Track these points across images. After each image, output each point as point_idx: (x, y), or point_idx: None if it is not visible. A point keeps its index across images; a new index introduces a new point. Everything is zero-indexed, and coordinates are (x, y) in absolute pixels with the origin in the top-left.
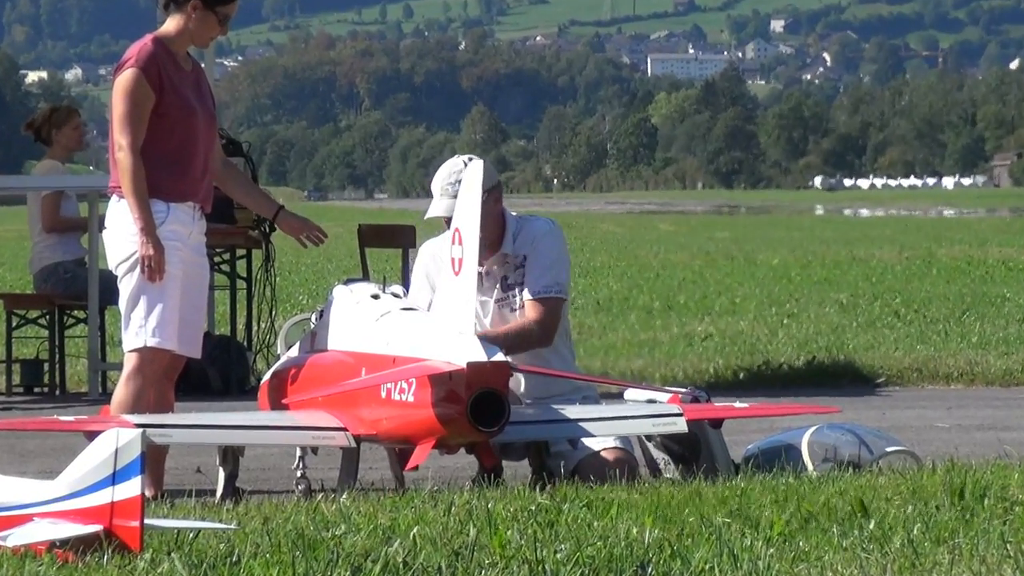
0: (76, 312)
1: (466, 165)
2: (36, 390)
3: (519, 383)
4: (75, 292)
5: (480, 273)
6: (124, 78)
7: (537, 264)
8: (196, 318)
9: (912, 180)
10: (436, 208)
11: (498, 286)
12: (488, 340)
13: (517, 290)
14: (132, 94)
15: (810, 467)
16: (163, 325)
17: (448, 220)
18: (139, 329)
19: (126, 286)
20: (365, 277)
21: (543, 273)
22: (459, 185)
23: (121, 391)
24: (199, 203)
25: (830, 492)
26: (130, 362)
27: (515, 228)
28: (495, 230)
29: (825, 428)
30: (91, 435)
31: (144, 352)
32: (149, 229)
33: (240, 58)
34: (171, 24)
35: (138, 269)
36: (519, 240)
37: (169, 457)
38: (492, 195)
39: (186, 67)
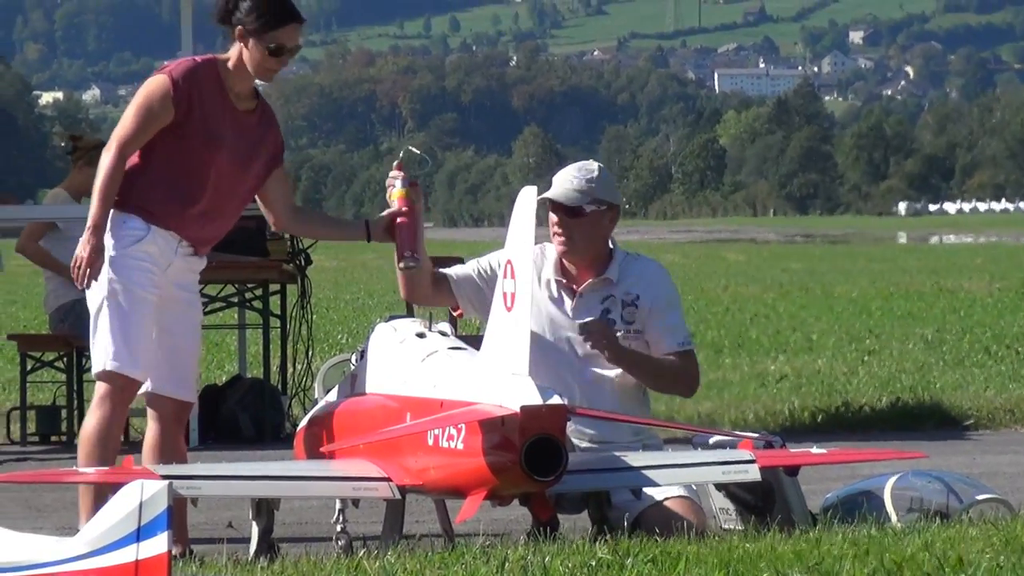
0: None
1: (599, 171)
2: (53, 439)
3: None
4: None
5: (573, 295)
6: (150, 81)
7: (668, 311)
8: (184, 359)
9: (1004, 204)
10: (551, 192)
11: (597, 316)
12: (633, 360)
13: (624, 328)
14: (148, 99)
15: (894, 517)
16: (125, 349)
17: (562, 208)
18: (101, 352)
19: (92, 305)
20: (409, 314)
21: (677, 322)
22: (587, 180)
23: (86, 421)
24: (187, 240)
25: (916, 545)
26: (97, 390)
27: (621, 259)
28: (601, 251)
29: (910, 475)
30: (113, 488)
31: (104, 377)
32: (97, 231)
33: None
34: (232, 50)
35: (105, 289)
36: (627, 274)
37: (199, 511)
38: (610, 213)
39: (241, 104)
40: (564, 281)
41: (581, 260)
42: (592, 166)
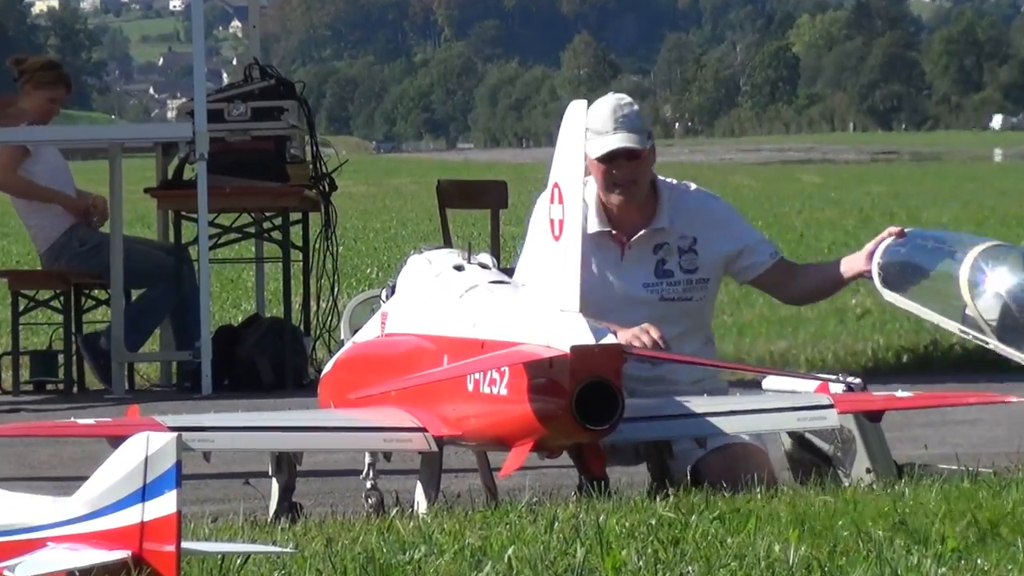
0: (96, 292)
1: (632, 104)
2: (49, 387)
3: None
4: (95, 267)
5: (622, 249)
6: None
7: (736, 234)
8: None
9: None
10: (611, 142)
11: (652, 270)
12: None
13: (685, 279)
14: None
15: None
16: None
17: (624, 153)
18: None
19: None
20: (446, 244)
21: (751, 238)
22: (633, 117)
23: None
24: None
25: (1015, 499)
26: None
27: (667, 195)
28: (647, 198)
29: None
30: (115, 441)
31: None
32: None
33: None
34: None
35: None
36: (679, 216)
37: (211, 466)
38: (653, 145)
39: None
40: (614, 232)
41: (638, 206)
42: (625, 98)
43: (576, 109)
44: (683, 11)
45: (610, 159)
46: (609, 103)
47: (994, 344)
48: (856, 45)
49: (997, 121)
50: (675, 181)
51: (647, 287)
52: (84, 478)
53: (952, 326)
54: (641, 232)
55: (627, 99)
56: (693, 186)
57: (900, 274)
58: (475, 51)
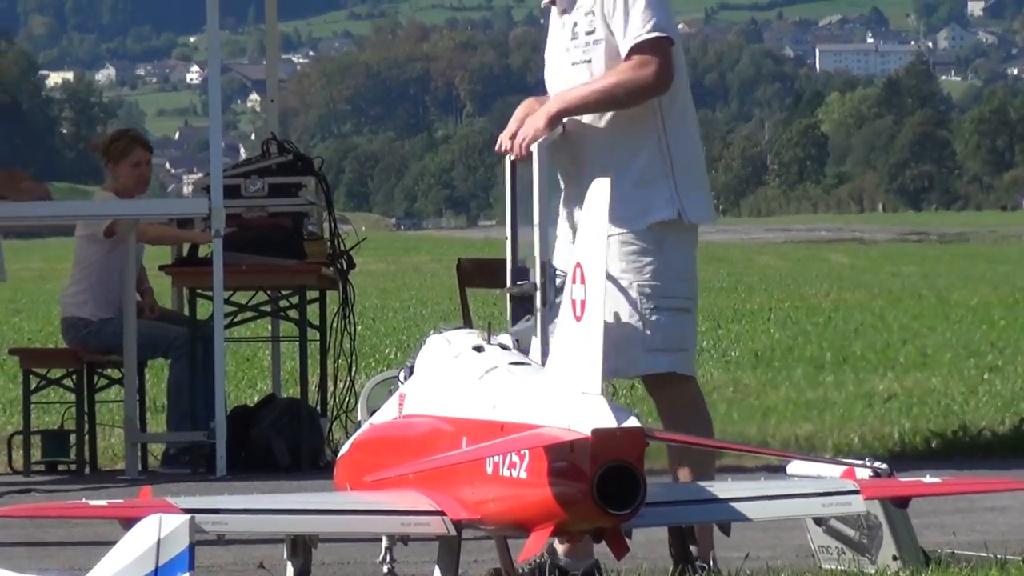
0: (109, 371)
1: None
2: (61, 467)
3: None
4: (106, 346)
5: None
6: None
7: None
8: None
9: None
10: None
11: (568, 35)
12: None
13: (590, 40)
14: None
15: None
16: None
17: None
18: None
19: None
20: (466, 324)
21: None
22: None
23: None
24: None
25: None
26: None
27: None
28: None
29: None
30: (128, 523)
31: None
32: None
33: (312, 53)
34: None
35: None
36: None
37: (226, 550)
38: None
39: None
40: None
41: None
42: None
43: (600, 187)
44: (709, 88)
45: None
46: None
47: None
48: (886, 124)
49: None
50: None
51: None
52: (95, 560)
53: None
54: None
55: None
56: None
57: None
58: (497, 127)
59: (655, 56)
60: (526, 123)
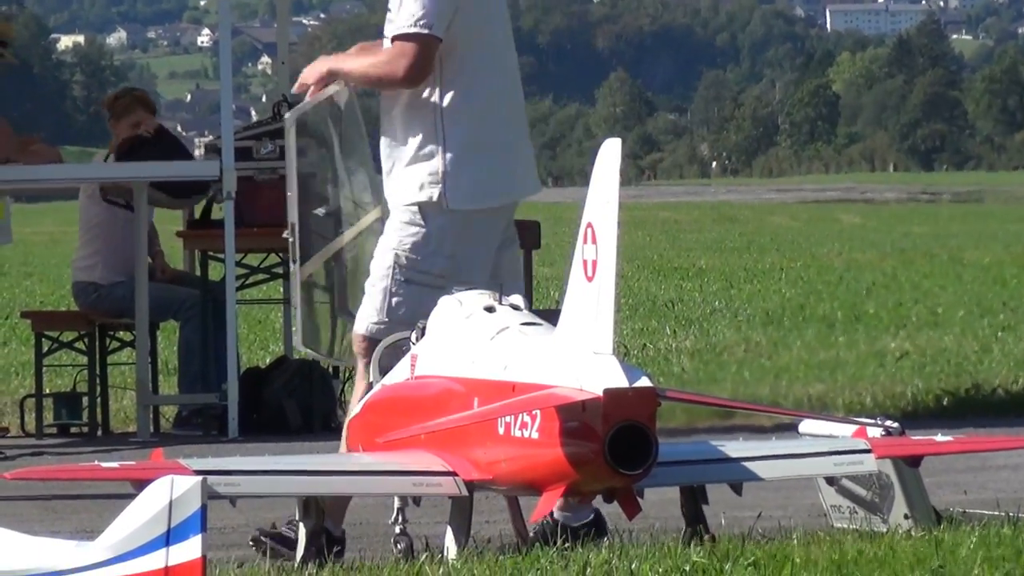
0: (121, 334)
1: None
2: (73, 430)
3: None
4: (117, 309)
5: None
6: None
7: None
8: None
9: None
10: None
11: None
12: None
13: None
14: None
15: None
16: None
17: None
18: None
19: None
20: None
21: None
22: None
23: None
24: None
25: None
26: None
27: None
28: None
29: None
30: (140, 485)
31: None
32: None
33: (323, 15)
34: None
35: None
36: None
37: (238, 511)
38: None
39: None
40: None
41: None
42: None
43: (610, 148)
44: (720, 48)
45: None
46: None
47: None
48: (897, 84)
49: None
50: None
51: None
52: (107, 522)
53: None
54: None
55: None
56: None
57: None
58: None
59: (409, 51)
60: (309, 67)
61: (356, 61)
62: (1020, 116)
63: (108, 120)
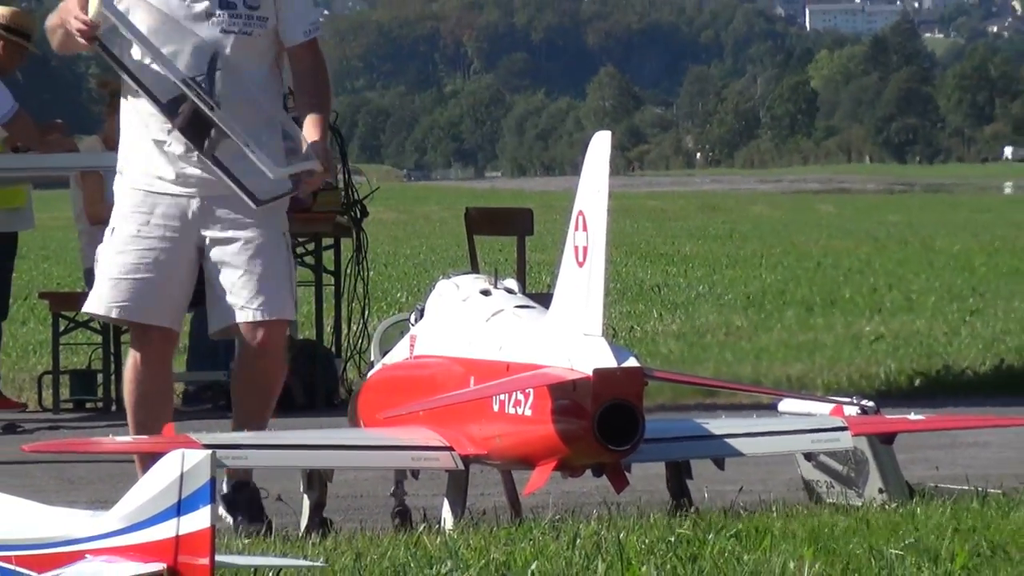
0: None
1: None
2: (88, 405)
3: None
4: None
5: None
6: None
7: None
8: None
9: None
10: None
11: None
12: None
13: (247, 14)
14: None
15: None
16: None
17: None
18: None
19: None
20: (474, 269)
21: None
22: None
23: None
24: None
25: (1022, 519)
26: None
27: None
28: None
29: None
30: (151, 458)
31: None
32: None
33: (326, 12)
34: None
35: None
36: None
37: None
38: None
39: None
40: None
41: None
42: None
43: (601, 139)
44: (705, 45)
45: None
46: None
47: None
48: (872, 80)
49: (1008, 153)
50: None
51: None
52: (121, 493)
53: None
54: None
55: None
56: None
57: None
58: (503, 83)
59: None
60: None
61: None
62: (989, 111)
63: (106, 110)
